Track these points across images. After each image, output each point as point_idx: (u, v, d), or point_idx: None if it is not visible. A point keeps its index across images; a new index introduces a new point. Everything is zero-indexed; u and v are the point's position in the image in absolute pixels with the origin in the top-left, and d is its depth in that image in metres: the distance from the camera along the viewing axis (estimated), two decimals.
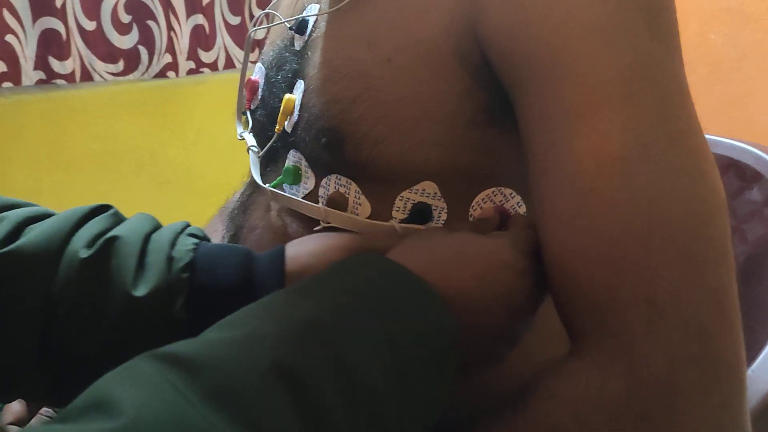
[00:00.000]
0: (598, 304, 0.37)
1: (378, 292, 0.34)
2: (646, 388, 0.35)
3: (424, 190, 0.46)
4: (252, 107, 0.56)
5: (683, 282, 0.35)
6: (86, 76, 1.47)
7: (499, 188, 0.47)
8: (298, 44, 0.51)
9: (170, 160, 1.54)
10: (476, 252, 0.39)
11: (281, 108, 0.49)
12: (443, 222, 0.47)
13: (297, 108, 0.48)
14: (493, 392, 0.43)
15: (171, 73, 1.60)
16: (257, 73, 0.56)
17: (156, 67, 1.58)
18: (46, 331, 0.38)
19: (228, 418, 0.24)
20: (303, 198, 0.49)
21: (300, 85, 0.48)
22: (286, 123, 0.50)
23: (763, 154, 0.75)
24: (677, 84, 0.39)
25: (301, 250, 0.43)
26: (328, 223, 0.48)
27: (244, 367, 0.27)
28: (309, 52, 0.49)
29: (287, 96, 0.49)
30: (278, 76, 0.52)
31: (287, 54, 0.52)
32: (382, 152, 0.45)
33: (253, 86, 0.55)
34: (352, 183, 0.47)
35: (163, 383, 0.25)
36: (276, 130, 0.50)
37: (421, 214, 0.46)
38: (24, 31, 1.35)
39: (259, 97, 0.55)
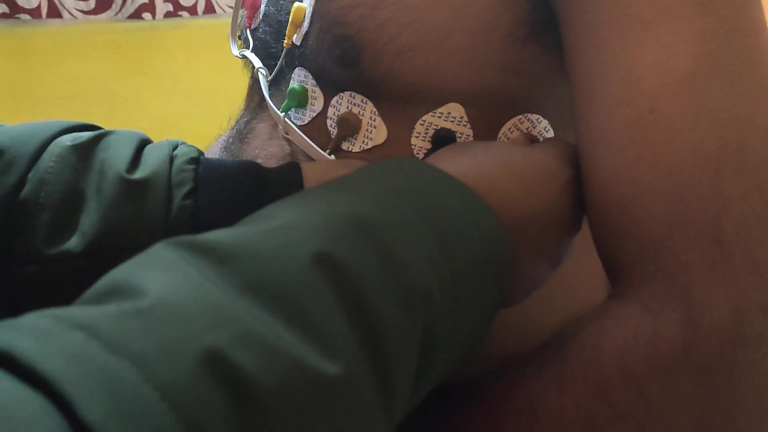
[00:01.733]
0: (653, 241, 0.32)
1: (423, 193, 0.29)
2: (706, 338, 0.30)
3: (449, 113, 0.40)
4: (253, 26, 0.50)
5: (756, 220, 0.31)
6: (54, 12, 1.38)
7: (525, 115, 0.42)
8: None
9: (144, 106, 1.46)
10: (523, 160, 0.35)
11: (290, 19, 0.43)
12: None
13: (308, 17, 0.43)
14: (511, 345, 0.39)
15: (147, 15, 1.52)
16: None
17: (130, 8, 1.49)
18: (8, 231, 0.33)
19: (268, 311, 0.21)
20: (311, 121, 0.44)
21: None
22: (295, 36, 0.44)
23: None
24: None
25: (315, 163, 0.39)
26: None
27: (284, 258, 0.23)
28: None
29: (297, 4, 0.43)
30: None
31: None
32: (405, 66, 0.39)
33: (254, 2, 0.49)
34: (368, 102, 0.41)
35: (191, 271, 0.21)
36: (285, 45, 0.44)
37: (444, 142, 0.41)
38: None
39: (261, 14, 0.49)
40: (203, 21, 1.58)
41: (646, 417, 0.30)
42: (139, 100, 1.44)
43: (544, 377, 0.33)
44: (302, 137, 0.43)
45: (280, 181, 0.37)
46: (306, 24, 0.43)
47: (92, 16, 1.43)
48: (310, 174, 0.38)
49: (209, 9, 1.61)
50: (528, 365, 0.34)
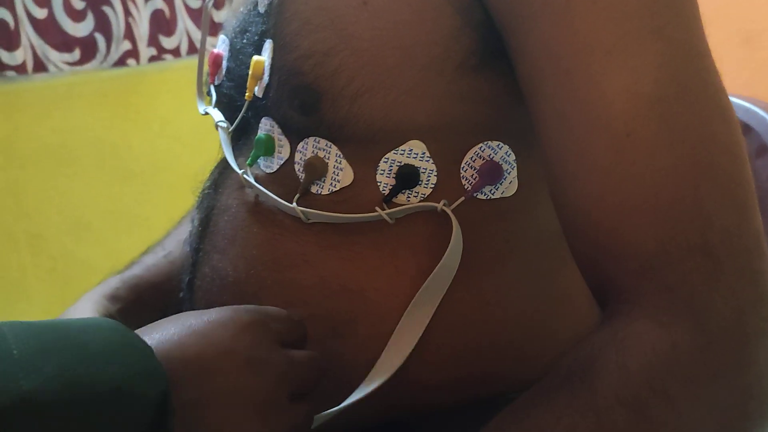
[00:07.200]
0: (650, 258, 0.34)
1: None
2: (717, 342, 0.33)
3: (411, 150, 0.42)
4: (216, 82, 0.51)
5: (734, 228, 0.34)
6: (40, 66, 1.40)
7: (485, 143, 0.43)
8: (262, 6, 0.46)
9: (134, 152, 1.47)
10: (198, 317, 0.36)
11: (250, 72, 0.45)
12: (433, 186, 0.42)
13: (267, 70, 0.44)
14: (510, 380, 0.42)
15: (131, 61, 1.53)
16: (220, 45, 0.51)
17: (115, 55, 1.51)
18: None
19: None
20: (280, 168, 0.45)
21: (268, 45, 0.44)
22: (256, 88, 0.45)
23: (753, 107, 0.72)
24: (698, 14, 0.37)
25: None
26: (309, 219, 0.43)
27: None
28: (275, 10, 0.45)
29: (255, 58, 0.44)
30: (244, 40, 0.48)
31: (252, 17, 0.48)
32: (363, 108, 0.40)
33: (216, 59, 0.51)
34: (333, 146, 0.42)
35: None
36: (246, 98, 0.46)
37: (407, 178, 0.42)
38: None
39: (224, 69, 0.50)
40: (187, 62, 1.59)
41: (679, 424, 0.32)
42: (129, 146, 1.46)
43: (577, 409, 0.33)
44: (262, 190, 0.45)
45: None
46: (266, 76, 0.44)
47: (78, 67, 1.45)
48: None
49: (192, 49, 1.62)
50: (553, 399, 0.34)
